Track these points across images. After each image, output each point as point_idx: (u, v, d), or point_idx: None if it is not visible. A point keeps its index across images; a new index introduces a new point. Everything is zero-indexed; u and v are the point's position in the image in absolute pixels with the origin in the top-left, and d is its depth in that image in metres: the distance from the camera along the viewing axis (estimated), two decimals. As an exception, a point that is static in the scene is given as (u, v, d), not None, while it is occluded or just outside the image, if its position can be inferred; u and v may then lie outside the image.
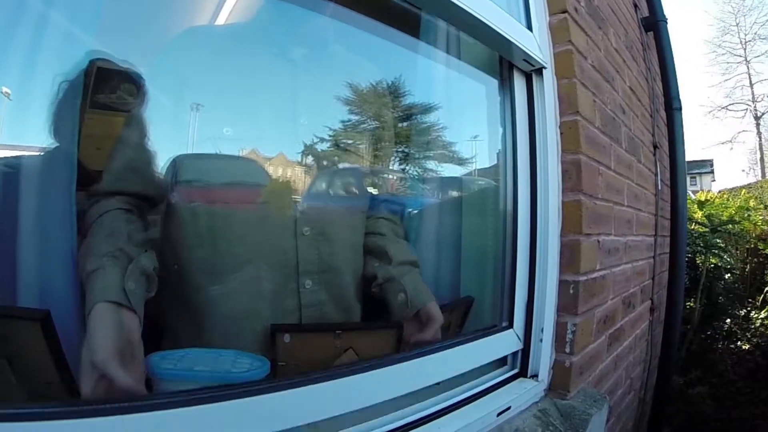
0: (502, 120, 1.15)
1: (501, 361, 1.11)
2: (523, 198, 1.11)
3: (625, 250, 1.48)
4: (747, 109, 19.82)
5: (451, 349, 0.88)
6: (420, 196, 1.30)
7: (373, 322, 0.99)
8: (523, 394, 1.02)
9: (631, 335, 1.64)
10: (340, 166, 0.91)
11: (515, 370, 1.10)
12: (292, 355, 0.77)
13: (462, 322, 1.17)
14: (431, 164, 1.35)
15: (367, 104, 0.93)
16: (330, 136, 0.86)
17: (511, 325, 1.08)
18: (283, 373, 0.74)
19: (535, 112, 1.13)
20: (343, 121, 0.90)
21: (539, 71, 1.13)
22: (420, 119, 1.30)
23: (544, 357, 1.08)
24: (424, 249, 1.16)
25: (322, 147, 0.83)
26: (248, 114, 0.84)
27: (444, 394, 0.87)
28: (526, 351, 1.09)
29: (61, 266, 0.65)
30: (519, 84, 1.13)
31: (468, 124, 1.38)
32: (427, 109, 1.27)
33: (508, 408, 0.96)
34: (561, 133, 1.16)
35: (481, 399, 0.94)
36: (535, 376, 1.08)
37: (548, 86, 1.14)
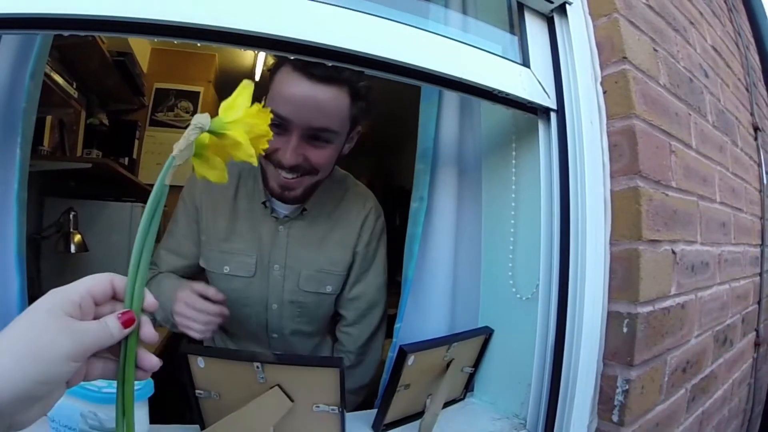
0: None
1: (516, 421, 0.76)
2: (546, 188, 0.75)
3: (718, 264, 1.04)
4: None
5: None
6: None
7: (308, 356, 0.72)
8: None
9: (726, 381, 1.18)
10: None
11: (535, 439, 0.75)
12: (210, 384, 0.65)
13: (478, 358, 0.84)
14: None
15: None
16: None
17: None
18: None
19: (561, 65, 0.77)
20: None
21: (562, 8, 0.77)
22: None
23: (576, 425, 0.72)
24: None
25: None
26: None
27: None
28: (551, 412, 0.73)
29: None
30: (536, 29, 0.78)
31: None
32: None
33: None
34: (604, 92, 0.78)
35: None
36: (562, 452, 0.72)
37: (578, 28, 0.78)
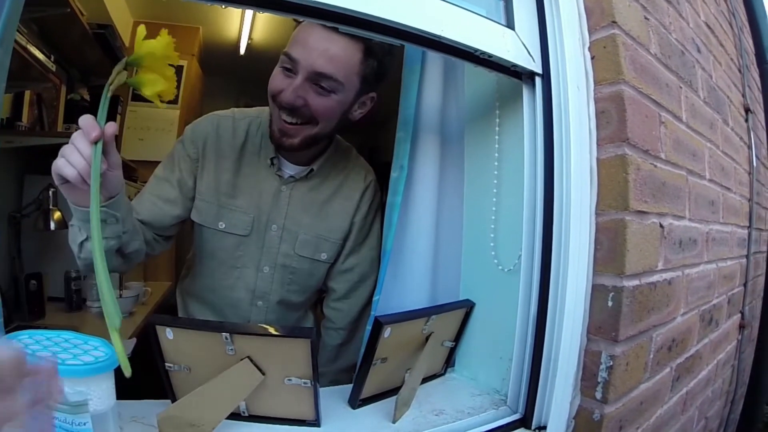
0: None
1: (497, 397, 0.74)
2: (530, 155, 0.72)
3: (706, 243, 1.03)
4: None
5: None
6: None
7: (279, 327, 0.72)
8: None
9: (710, 362, 1.18)
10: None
11: (516, 415, 0.72)
12: (180, 356, 0.61)
13: (459, 332, 0.82)
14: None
15: None
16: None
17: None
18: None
19: (547, 28, 0.74)
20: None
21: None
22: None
23: (558, 401, 0.70)
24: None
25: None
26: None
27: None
28: (533, 388, 0.71)
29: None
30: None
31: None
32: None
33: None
34: (593, 57, 0.75)
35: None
36: (542, 428, 0.70)
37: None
